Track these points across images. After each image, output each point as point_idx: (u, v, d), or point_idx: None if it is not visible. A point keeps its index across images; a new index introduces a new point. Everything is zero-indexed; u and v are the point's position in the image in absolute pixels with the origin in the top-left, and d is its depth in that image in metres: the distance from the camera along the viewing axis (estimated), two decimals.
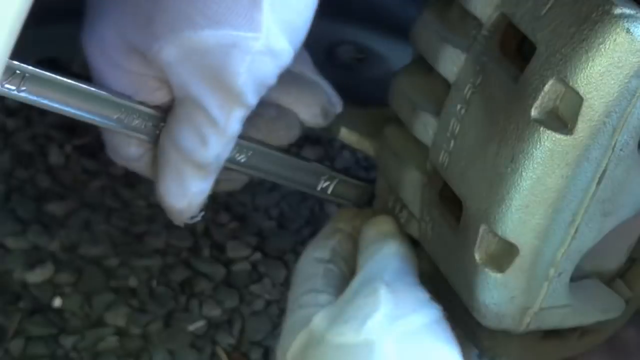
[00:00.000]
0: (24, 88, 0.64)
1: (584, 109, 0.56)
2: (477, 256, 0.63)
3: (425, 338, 0.64)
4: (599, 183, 0.60)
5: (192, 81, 0.65)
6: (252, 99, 0.66)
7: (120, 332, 1.12)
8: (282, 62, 0.66)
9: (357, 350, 0.63)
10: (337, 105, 0.76)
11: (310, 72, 0.74)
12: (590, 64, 0.55)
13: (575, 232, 0.62)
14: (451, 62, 0.65)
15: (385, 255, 0.70)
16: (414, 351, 0.63)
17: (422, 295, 0.67)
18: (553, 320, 0.67)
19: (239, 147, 0.70)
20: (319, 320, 0.66)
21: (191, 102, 0.66)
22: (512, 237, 0.61)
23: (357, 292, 0.67)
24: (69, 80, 0.66)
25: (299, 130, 0.74)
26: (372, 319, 0.64)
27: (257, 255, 1.24)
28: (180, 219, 0.73)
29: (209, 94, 0.65)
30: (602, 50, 0.55)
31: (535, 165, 0.58)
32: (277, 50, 0.65)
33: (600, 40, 0.55)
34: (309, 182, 0.76)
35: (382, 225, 0.74)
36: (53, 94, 0.66)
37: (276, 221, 1.28)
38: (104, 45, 0.67)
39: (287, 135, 0.73)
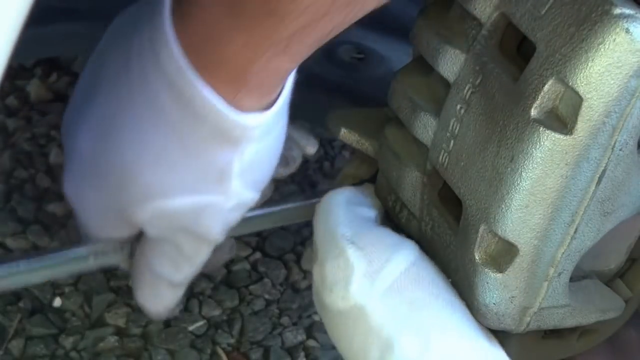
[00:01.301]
0: None
1: (584, 109, 0.56)
2: (477, 256, 0.63)
3: (407, 285, 0.65)
4: (598, 183, 0.60)
5: (166, 232, 0.69)
6: (221, 237, 0.71)
7: (120, 332, 1.12)
8: (249, 206, 0.69)
9: (352, 316, 0.65)
10: (310, 147, 0.78)
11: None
12: (589, 64, 0.55)
13: (575, 231, 0.62)
14: (451, 62, 0.65)
15: (334, 206, 0.71)
16: (401, 301, 0.64)
17: (390, 239, 0.68)
18: (553, 320, 0.67)
19: None
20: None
21: (165, 242, 0.70)
22: (511, 237, 0.61)
23: (325, 255, 0.68)
24: (42, 262, 0.74)
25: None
26: (352, 283, 0.65)
27: (257, 255, 1.24)
28: (158, 317, 0.79)
29: (182, 239, 0.69)
30: (602, 50, 0.55)
31: (535, 165, 0.58)
32: (246, 202, 0.68)
33: (600, 40, 0.55)
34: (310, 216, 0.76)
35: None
36: (34, 275, 0.74)
37: None
38: (86, 202, 0.70)
39: None
